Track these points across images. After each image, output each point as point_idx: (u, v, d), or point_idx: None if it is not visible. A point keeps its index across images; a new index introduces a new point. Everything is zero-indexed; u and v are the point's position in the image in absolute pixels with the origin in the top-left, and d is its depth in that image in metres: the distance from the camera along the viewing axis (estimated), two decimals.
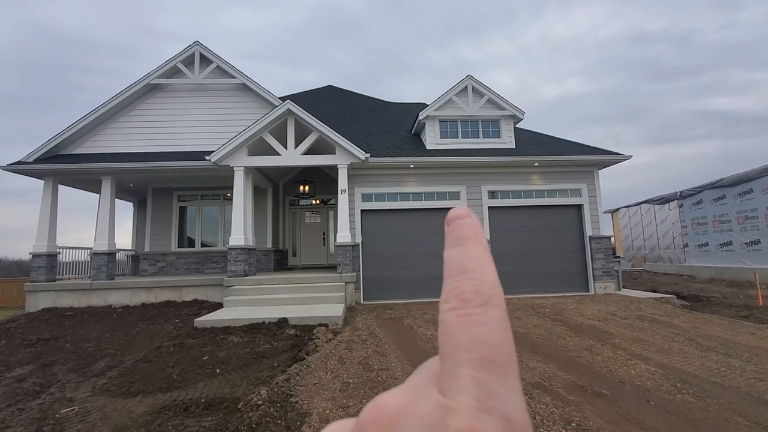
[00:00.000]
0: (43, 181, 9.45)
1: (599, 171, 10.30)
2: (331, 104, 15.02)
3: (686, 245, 14.37)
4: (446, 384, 0.19)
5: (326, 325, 6.34)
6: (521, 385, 0.20)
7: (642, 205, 17.74)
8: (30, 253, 9.09)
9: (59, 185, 9.73)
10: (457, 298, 0.21)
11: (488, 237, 9.68)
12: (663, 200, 15.87)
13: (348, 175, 9.29)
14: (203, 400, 3.54)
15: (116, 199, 10.20)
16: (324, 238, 13.32)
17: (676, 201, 15.00)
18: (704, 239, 13.45)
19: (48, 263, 9.08)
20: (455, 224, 0.25)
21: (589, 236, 9.90)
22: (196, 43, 10.21)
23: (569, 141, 11.17)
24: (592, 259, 9.79)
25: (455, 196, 9.88)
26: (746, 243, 11.70)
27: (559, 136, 11.71)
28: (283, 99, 9.75)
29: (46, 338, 6.22)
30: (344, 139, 9.07)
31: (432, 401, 0.19)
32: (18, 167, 9.07)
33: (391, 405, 0.20)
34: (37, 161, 9.27)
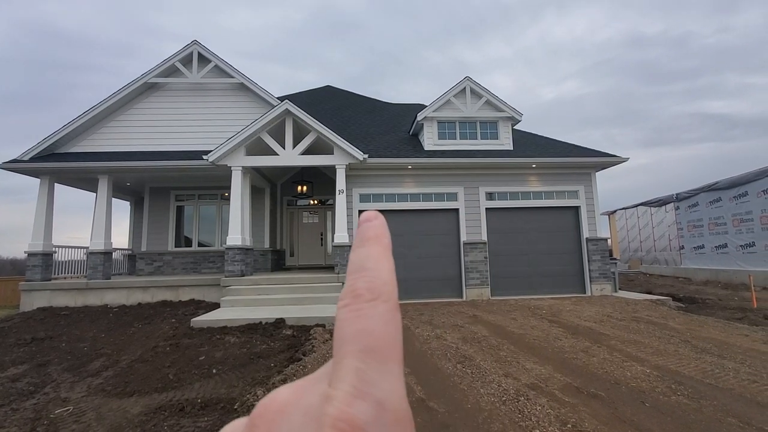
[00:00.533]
0: (39, 180, 9.40)
1: (596, 173, 10.36)
2: (329, 104, 15.02)
3: (682, 247, 14.45)
4: (332, 376, 0.20)
5: (323, 326, 6.34)
6: (402, 372, 0.20)
7: (638, 207, 17.83)
8: (25, 252, 9.05)
9: (56, 184, 9.68)
10: (350, 295, 0.22)
11: (485, 238, 9.70)
12: (659, 202, 15.96)
13: (346, 175, 9.29)
14: (199, 401, 3.53)
15: (113, 198, 10.14)
16: (322, 239, 13.31)
17: (672, 203, 15.09)
18: (700, 241, 13.55)
19: (44, 262, 9.03)
20: (362, 227, 0.26)
21: (586, 238, 9.94)
22: (195, 42, 10.18)
23: (567, 143, 11.22)
24: (588, 261, 9.83)
25: (453, 197, 9.86)
26: (741, 245, 11.79)
27: (556, 138, 11.76)
28: (282, 99, 9.75)
29: (41, 338, 6.18)
30: (342, 139, 9.07)
31: (318, 393, 0.20)
32: (14, 165, 9.02)
33: (279, 399, 0.22)
34: (33, 159, 9.21)
